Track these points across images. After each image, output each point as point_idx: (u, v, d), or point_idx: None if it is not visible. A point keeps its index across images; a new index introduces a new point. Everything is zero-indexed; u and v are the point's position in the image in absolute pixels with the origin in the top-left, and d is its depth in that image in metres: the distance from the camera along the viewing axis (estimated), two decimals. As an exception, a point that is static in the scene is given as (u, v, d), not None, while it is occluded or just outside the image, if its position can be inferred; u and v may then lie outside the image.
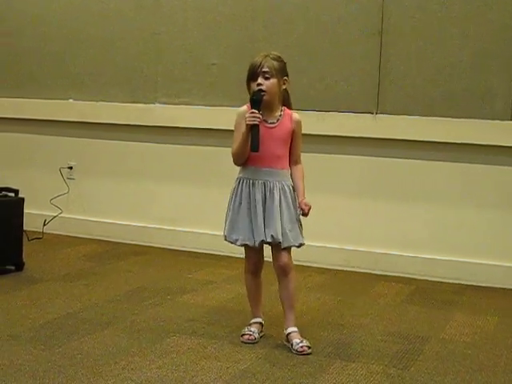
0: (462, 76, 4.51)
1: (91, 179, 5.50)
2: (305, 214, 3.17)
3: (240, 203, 3.17)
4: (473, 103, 4.49)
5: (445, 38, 4.53)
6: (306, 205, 3.14)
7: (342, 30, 4.75)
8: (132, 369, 2.84)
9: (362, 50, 4.71)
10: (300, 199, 3.17)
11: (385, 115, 4.64)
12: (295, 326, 3.20)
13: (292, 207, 3.16)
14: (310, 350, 3.11)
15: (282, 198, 3.14)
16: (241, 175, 3.21)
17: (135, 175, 5.36)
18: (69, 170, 5.53)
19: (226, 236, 3.23)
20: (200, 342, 3.19)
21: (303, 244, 3.19)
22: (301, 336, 3.17)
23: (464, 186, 4.55)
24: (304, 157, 3.30)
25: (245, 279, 3.34)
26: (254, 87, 3.12)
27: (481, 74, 4.47)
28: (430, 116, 4.55)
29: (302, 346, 3.11)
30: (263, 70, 3.11)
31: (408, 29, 4.60)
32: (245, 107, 3.17)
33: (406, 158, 4.64)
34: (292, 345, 3.13)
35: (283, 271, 3.17)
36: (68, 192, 5.47)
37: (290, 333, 3.18)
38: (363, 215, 4.76)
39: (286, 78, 3.18)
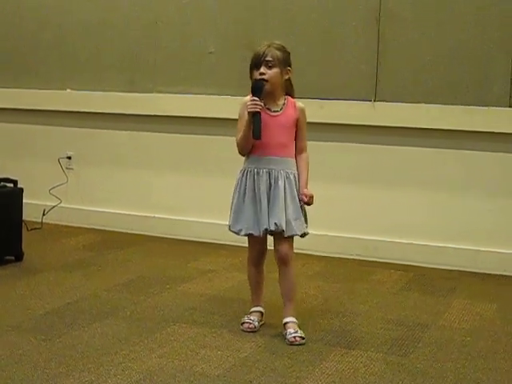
0: (460, 63, 4.50)
1: (90, 169, 5.50)
2: (307, 203, 3.17)
3: (244, 193, 3.15)
4: (471, 90, 4.48)
5: (443, 25, 4.51)
6: (305, 195, 3.14)
7: (340, 17, 4.73)
8: (132, 358, 2.85)
9: (360, 38, 4.69)
10: (301, 190, 3.16)
11: (383, 103, 4.63)
12: (293, 315, 3.19)
13: (297, 196, 3.15)
14: (303, 341, 3.09)
15: (287, 186, 3.12)
16: (245, 165, 3.19)
17: (134, 164, 5.35)
18: (67, 159, 5.52)
19: (230, 226, 3.22)
20: (200, 331, 3.20)
21: (307, 234, 3.19)
22: (297, 326, 3.16)
23: (462, 172, 4.55)
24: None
25: (247, 269, 3.33)
26: (257, 76, 3.11)
27: (479, 61, 4.46)
28: (429, 103, 4.53)
29: (293, 337, 3.09)
30: (266, 59, 3.10)
31: (406, 16, 4.58)
32: (248, 97, 3.14)
33: (405, 146, 4.64)
34: (286, 334, 3.13)
35: (283, 261, 3.17)
36: (67, 182, 5.47)
37: (287, 322, 3.18)
38: (362, 202, 4.75)
39: (289, 68, 3.18)
